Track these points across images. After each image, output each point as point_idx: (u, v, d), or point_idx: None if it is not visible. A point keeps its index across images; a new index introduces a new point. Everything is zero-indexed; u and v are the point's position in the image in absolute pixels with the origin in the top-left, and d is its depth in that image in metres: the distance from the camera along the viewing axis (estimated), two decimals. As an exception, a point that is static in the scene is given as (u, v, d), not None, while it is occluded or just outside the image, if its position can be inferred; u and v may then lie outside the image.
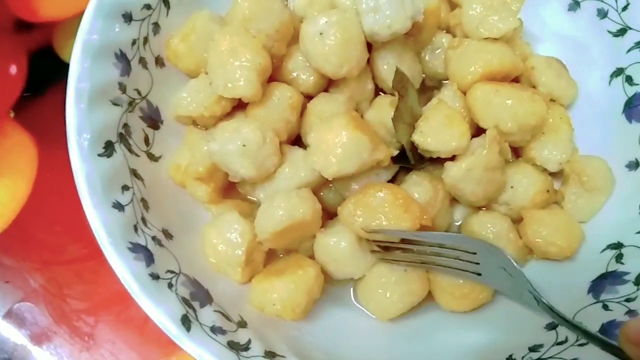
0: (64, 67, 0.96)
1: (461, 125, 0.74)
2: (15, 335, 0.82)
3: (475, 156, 0.72)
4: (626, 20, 0.80)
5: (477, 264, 0.68)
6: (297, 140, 0.81)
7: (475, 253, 0.67)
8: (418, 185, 0.74)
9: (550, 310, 0.63)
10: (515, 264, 0.66)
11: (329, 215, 0.80)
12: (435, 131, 0.74)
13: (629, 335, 0.53)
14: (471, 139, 0.78)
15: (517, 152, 0.83)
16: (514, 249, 0.76)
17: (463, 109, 0.78)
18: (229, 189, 0.79)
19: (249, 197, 0.78)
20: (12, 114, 0.93)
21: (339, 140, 0.68)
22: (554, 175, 0.82)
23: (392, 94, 0.82)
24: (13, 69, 0.96)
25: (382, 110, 0.77)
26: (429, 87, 0.87)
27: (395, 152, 0.74)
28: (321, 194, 0.78)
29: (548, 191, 0.79)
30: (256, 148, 0.69)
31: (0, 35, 0.98)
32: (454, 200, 0.79)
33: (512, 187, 0.78)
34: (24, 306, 0.83)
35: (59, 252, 0.87)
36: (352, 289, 0.77)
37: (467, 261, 0.68)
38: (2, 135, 0.92)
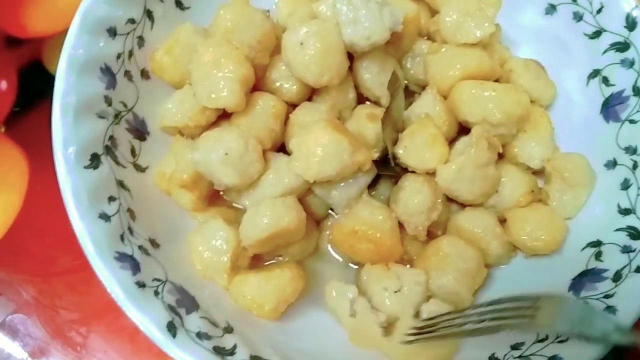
0: (53, 81, 0.98)
1: (442, 147, 0.76)
2: (9, 347, 0.83)
3: (465, 156, 0.74)
4: (601, 23, 0.82)
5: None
6: (283, 150, 0.82)
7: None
8: (418, 192, 0.75)
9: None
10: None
11: (315, 221, 0.81)
12: (418, 148, 0.76)
13: None
14: (457, 137, 0.79)
15: (499, 154, 0.84)
16: (500, 244, 0.78)
17: (443, 112, 0.80)
18: (215, 197, 0.80)
19: (234, 204, 0.80)
20: (2, 129, 0.95)
21: (318, 142, 0.70)
22: (536, 174, 0.83)
23: (375, 103, 0.84)
24: (3, 85, 0.98)
25: (361, 122, 0.79)
26: (412, 93, 0.89)
27: (376, 156, 0.76)
28: (307, 200, 0.79)
29: (532, 191, 0.81)
30: (238, 156, 0.70)
31: (-10, 52, 1.00)
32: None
33: (496, 191, 0.80)
34: (17, 318, 0.84)
35: (50, 264, 0.88)
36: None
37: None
38: (-7, 150, 0.93)
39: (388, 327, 0.70)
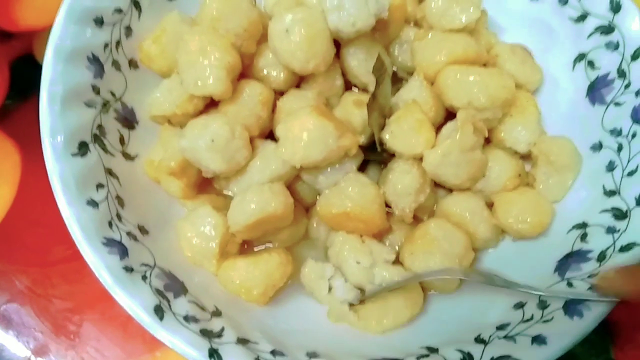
0: (45, 74, 0.99)
1: (429, 132, 0.77)
2: (2, 337, 0.84)
3: (450, 140, 0.75)
4: (585, 6, 0.82)
5: None
6: (272, 138, 0.82)
7: None
8: (407, 173, 0.76)
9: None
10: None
11: (304, 207, 0.82)
12: (405, 134, 0.76)
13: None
14: (444, 123, 0.80)
15: (486, 139, 0.85)
16: (488, 227, 0.78)
17: (430, 98, 0.80)
18: (206, 185, 0.81)
19: (224, 192, 0.80)
20: (-6, 122, 0.96)
21: (304, 127, 0.70)
22: (523, 158, 0.84)
23: (363, 89, 0.84)
24: (-5, 78, 0.99)
25: (348, 108, 0.79)
26: (400, 79, 0.89)
27: (362, 140, 0.76)
28: (296, 187, 0.80)
29: (520, 175, 0.81)
30: (225, 143, 0.71)
31: (-18, 46, 1.01)
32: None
33: (483, 175, 0.80)
34: (11, 307, 0.85)
35: (44, 253, 0.89)
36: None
37: None
38: (-14, 143, 0.94)
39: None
